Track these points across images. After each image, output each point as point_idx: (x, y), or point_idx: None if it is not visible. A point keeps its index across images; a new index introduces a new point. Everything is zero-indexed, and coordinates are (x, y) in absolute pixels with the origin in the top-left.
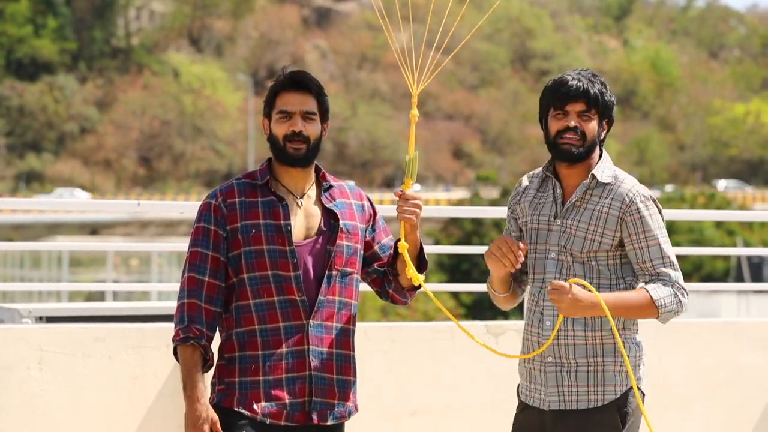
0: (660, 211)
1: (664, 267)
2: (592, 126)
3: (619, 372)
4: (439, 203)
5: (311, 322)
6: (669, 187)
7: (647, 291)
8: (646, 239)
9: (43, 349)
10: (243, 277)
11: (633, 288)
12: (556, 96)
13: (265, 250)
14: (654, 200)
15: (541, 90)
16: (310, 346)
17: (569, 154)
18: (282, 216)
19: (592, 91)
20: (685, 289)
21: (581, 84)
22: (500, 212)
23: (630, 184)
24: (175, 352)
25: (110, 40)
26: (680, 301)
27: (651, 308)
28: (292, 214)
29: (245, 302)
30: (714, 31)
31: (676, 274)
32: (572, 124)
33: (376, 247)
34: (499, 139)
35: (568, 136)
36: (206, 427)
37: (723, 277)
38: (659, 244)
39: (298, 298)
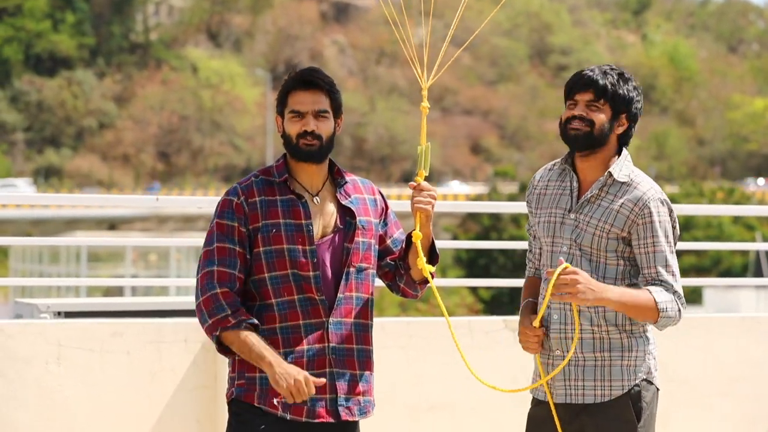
0: (672, 218)
1: (667, 276)
2: (601, 116)
3: (626, 367)
4: (457, 198)
5: (331, 319)
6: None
7: (651, 293)
8: (653, 245)
9: (61, 344)
10: (264, 277)
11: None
12: (568, 87)
13: (285, 249)
14: (668, 206)
15: (563, 84)
16: (331, 344)
17: (574, 139)
18: (303, 215)
19: (601, 82)
20: (683, 301)
21: (592, 75)
22: (518, 207)
23: (646, 187)
24: (217, 340)
25: (129, 36)
26: (679, 309)
27: (652, 310)
28: (311, 212)
29: (268, 301)
30: (733, 26)
31: (678, 285)
32: (577, 112)
33: (388, 241)
34: (518, 134)
35: (574, 124)
36: (302, 377)
37: (742, 272)
38: (665, 252)
39: (317, 297)
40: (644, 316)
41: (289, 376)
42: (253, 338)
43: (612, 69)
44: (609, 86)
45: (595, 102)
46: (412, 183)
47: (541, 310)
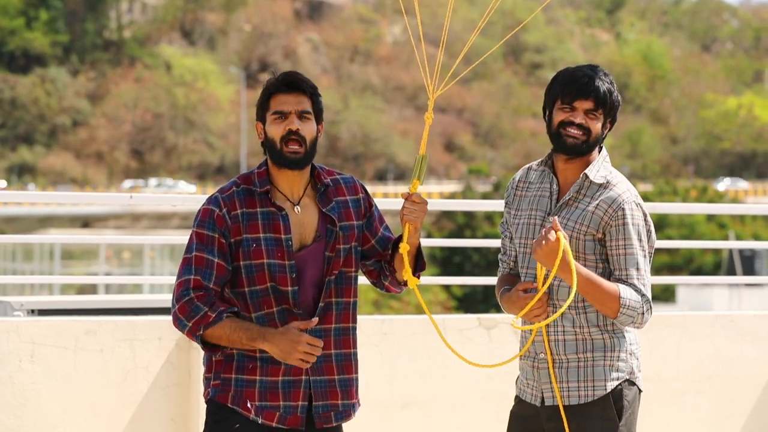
0: (647, 222)
1: (637, 279)
2: (598, 125)
3: (609, 367)
4: (431, 196)
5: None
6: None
7: (617, 286)
8: (625, 247)
9: (34, 341)
10: (244, 291)
11: None
12: (566, 90)
13: (265, 264)
14: (643, 209)
15: (537, 82)
16: None
17: (572, 148)
18: (282, 229)
19: (602, 90)
20: (651, 306)
21: (592, 82)
22: (492, 205)
23: (622, 189)
24: (201, 340)
25: (102, 33)
26: (643, 313)
27: (614, 301)
28: (291, 224)
29: (248, 315)
30: (706, 25)
31: (646, 290)
32: (578, 120)
33: (374, 241)
34: (492, 132)
35: (572, 130)
36: (303, 338)
37: (714, 271)
38: (636, 255)
39: (295, 311)
40: (605, 305)
41: (292, 349)
42: (237, 324)
43: (604, 74)
44: (608, 95)
45: (594, 111)
46: (404, 192)
47: (546, 284)
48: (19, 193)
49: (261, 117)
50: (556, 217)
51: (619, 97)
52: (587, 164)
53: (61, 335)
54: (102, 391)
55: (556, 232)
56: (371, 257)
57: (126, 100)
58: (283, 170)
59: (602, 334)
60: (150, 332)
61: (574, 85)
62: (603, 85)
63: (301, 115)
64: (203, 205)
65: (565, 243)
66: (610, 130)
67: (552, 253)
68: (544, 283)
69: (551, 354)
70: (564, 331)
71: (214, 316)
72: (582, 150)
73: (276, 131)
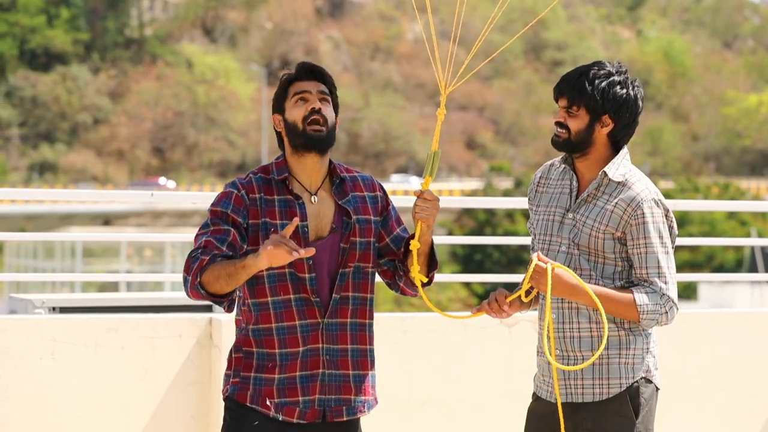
0: (668, 219)
1: (658, 277)
2: (576, 122)
3: (624, 365)
4: (452, 194)
5: (326, 320)
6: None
7: (633, 292)
8: (645, 246)
9: (56, 339)
10: (262, 274)
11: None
12: (554, 89)
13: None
14: (663, 206)
15: (558, 79)
16: (325, 345)
17: (554, 144)
18: (299, 217)
19: (573, 88)
20: (674, 303)
21: (571, 79)
22: (513, 203)
23: (640, 187)
24: (201, 287)
25: (123, 31)
26: (666, 312)
27: (632, 309)
28: (307, 214)
29: (263, 299)
30: (728, 22)
31: (668, 288)
32: (556, 118)
33: (388, 239)
34: (512, 129)
35: (556, 129)
36: (285, 240)
37: (735, 268)
38: (657, 253)
39: (312, 299)
40: (624, 314)
41: (266, 248)
42: (230, 261)
43: (597, 68)
44: (580, 92)
45: (569, 108)
46: (417, 190)
47: (517, 293)
48: (39, 190)
49: (279, 107)
50: (536, 254)
51: (612, 92)
52: (600, 161)
53: (82, 333)
54: (122, 389)
55: (545, 263)
56: (385, 255)
57: (147, 98)
58: (302, 158)
59: (618, 331)
60: (171, 330)
61: (557, 84)
62: (577, 83)
63: (322, 97)
64: (224, 189)
65: (562, 271)
66: (619, 126)
67: (556, 285)
68: (527, 295)
69: (566, 350)
70: (579, 328)
71: (207, 258)
72: (565, 147)
73: (298, 113)
